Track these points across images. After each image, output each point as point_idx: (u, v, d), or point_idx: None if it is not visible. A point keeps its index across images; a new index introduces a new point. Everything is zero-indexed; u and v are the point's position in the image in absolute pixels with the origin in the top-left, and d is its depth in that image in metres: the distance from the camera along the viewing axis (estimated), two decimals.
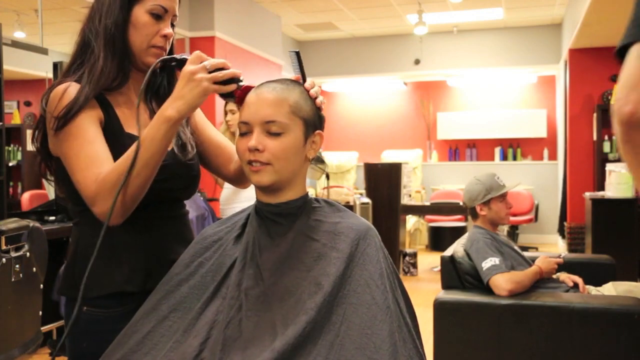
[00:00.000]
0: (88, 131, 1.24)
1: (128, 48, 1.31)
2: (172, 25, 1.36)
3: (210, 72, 1.19)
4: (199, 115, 1.49)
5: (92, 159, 1.22)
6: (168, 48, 1.36)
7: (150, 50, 1.32)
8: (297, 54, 1.26)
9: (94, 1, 1.34)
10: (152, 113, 1.36)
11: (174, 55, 1.28)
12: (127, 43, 1.31)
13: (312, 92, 1.21)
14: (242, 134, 1.18)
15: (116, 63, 1.30)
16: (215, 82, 1.20)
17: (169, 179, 1.32)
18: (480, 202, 2.80)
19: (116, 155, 1.23)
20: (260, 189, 1.20)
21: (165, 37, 1.32)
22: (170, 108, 1.19)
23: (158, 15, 1.31)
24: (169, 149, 1.33)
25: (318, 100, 1.22)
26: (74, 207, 1.35)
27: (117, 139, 1.28)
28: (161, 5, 1.31)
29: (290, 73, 1.29)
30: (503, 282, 2.53)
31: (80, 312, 1.30)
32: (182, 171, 1.36)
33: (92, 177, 1.20)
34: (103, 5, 1.31)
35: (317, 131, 1.22)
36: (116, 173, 1.19)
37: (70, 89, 1.26)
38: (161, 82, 1.41)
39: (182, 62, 1.24)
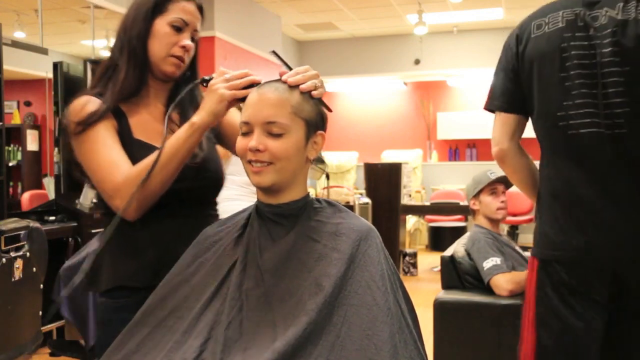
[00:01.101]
0: (108, 137, 1.33)
1: (147, 58, 1.39)
2: (193, 40, 1.43)
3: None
4: None
5: (114, 160, 1.30)
6: (188, 60, 1.43)
7: (168, 59, 1.39)
8: (274, 52, 1.34)
9: (123, 16, 1.42)
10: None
11: (205, 77, 1.35)
12: (147, 53, 1.38)
13: (303, 87, 1.18)
14: (243, 134, 1.18)
15: (137, 73, 1.38)
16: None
17: (178, 181, 1.36)
18: (472, 196, 2.82)
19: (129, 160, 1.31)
20: (261, 189, 1.20)
21: (184, 48, 1.39)
22: (195, 116, 1.29)
23: (178, 28, 1.39)
24: None
25: (315, 92, 1.19)
26: (105, 209, 1.41)
27: (125, 145, 1.34)
28: (182, 19, 1.39)
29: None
30: (504, 282, 2.53)
31: (97, 303, 1.41)
32: (192, 173, 1.39)
33: (117, 172, 1.28)
34: (129, 19, 1.40)
35: (319, 132, 1.21)
36: (142, 170, 1.26)
37: (91, 103, 1.35)
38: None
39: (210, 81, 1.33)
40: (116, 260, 1.37)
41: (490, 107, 1.73)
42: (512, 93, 1.67)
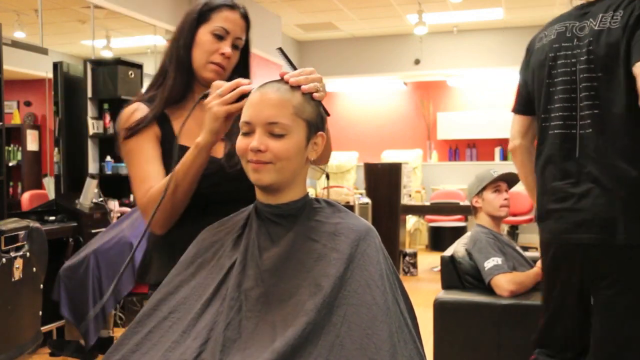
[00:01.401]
0: (146, 151, 1.43)
1: (191, 65, 1.47)
2: (236, 47, 1.49)
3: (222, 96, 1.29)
4: None
5: (145, 177, 1.41)
6: (229, 67, 1.49)
7: (208, 66, 1.46)
8: (280, 49, 1.35)
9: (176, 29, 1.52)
10: None
11: (205, 92, 1.37)
12: (191, 61, 1.47)
13: (304, 88, 1.18)
14: (244, 134, 1.18)
15: (183, 81, 1.48)
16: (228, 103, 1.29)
17: (219, 184, 1.43)
18: (475, 194, 2.82)
19: (170, 164, 1.38)
20: (260, 188, 1.20)
21: (223, 55, 1.45)
22: (199, 137, 1.33)
23: (220, 36, 1.46)
24: (219, 157, 1.46)
25: (316, 95, 1.19)
26: None
27: (169, 150, 1.43)
28: (223, 27, 1.46)
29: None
30: (505, 282, 2.53)
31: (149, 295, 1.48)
32: (234, 177, 1.42)
33: (143, 192, 1.40)
34: (179, 29, 1.49)
35: (319, 132, 1.21)
36: (159, 191, 1.35)
37: (139, 111, 1.46)
38: None
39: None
40: (164, 256, 1.45)
41: (512, 109, 2.03)
42: (523, 98, 1.94)
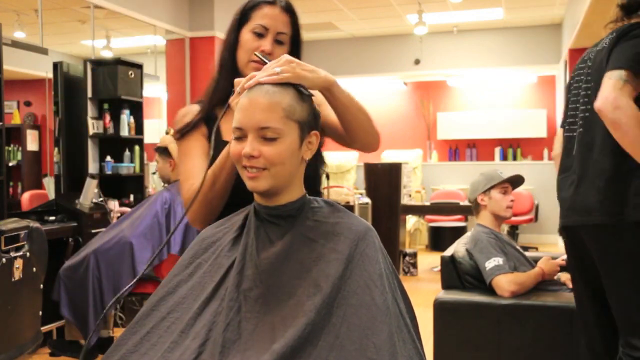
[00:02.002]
0: (193, 150, 1.51)
1: (236, 65, 1.51)
2: (280, 42, 1.52)
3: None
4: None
5: (189, 174, 1.48)
6: None
7: (250, 64, 1.49)
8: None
9: None
10: None
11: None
12: (236, 62, 1.51)
13: (269, 79, 1.18)
14: (236, 139, 1.17)
15: (227, 82, 1.48)
16: None
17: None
18: (481, 192, 2.82)
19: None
20: (257, 193, 1.20)
21: (263, 52, 1.47)
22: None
23: (260, 34, 1.49)
24: None
25: (278, 77, 1.17)
26: None
27: (217, 147, 1.42)
28: (262, 25, 1.49)
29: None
30: (506, 283, 2.53)
31: None
32: None
33: (187, 188, 1.47)
34: (225, 34, 1.54)
35: (313, 131, 1.21)
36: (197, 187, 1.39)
37: (190, 114, 1.53)
38: None
39: None
40: None
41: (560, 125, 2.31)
42: (564, 113, 2.25)
